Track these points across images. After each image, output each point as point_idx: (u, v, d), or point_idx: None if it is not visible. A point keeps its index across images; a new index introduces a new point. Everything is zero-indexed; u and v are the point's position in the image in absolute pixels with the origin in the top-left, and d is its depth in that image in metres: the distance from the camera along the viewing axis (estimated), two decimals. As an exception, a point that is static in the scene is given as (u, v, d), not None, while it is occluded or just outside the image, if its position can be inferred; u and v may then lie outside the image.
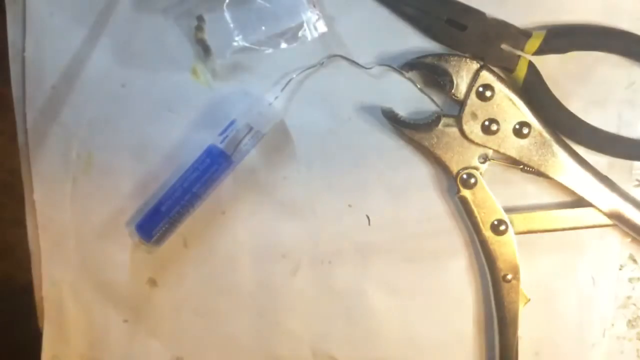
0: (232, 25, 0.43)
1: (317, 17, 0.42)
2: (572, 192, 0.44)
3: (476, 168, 0.44)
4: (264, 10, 0.42)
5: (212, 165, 0.43)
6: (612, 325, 0.46)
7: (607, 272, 0.45)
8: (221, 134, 0.43)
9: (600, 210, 0.44)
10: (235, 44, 0.43)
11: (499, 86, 0.43)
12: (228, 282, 0.46)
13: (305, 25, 0.42)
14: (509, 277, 0.44)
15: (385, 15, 0.44)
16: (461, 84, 0.43)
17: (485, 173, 0.44)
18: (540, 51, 0.42)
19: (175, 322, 0.47)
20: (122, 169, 0.46)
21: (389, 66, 0.44)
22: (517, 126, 0.43)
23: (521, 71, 0.42)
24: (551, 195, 0.45)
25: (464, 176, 0.44)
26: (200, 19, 0.44)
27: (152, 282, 0.47)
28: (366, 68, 0.44)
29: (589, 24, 0.43)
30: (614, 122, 0.44)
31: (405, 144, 0.45)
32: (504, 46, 0.43)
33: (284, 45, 0.43)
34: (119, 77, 0.45)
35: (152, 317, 0.47)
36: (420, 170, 0.45)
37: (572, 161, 0.43)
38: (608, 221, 0.44)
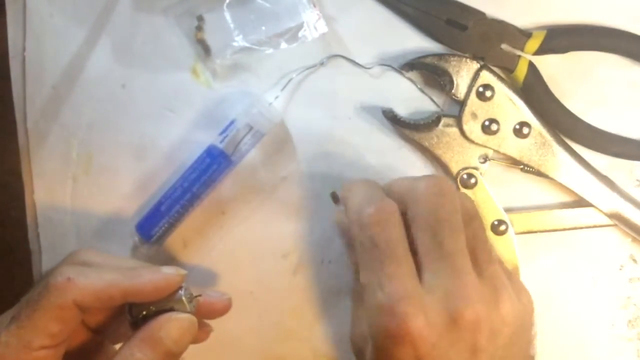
0: (232, 25, 0.43)
1: (317, 17, 0.42)
2: (572, 192, 0.44)
3: (476, 168, 0.44)
4: (264, 10, 0.43)
5: (212, 165, 0.43)
6: (612, 325, 0.46)
7: (607, 272, 0.45)
8: (221, 133, 0.43)
9: (600, 210, 0.44)
10: (235, 44, 0.43)
11: (499, 86, 0.43)
12: (228, 282, 0.46)
13: (305, 25, 0.42)
14: (509, 277, 0.44)
15: (385, 15, 0.44)
16: (461, 84, 0.43)
17: (485, 173, 0.44)
18: (540, 51, 0.42)
19: (175, 322, 0.47)
20: (122, 169, 0.46)
21: (389, 66, 0.44)
22: (517, 126, 0.43)
23: (521, 71, 0.43)
24: (551, 195, 0.45)
25: (464, 176, 0.44)
26: (200, 19, 0.44)
27: (152, 282, 0.47)
28: (366, 68, 0.44)
29: (589, 24, 0.43)
30: (614, 122, 0.44)
31: (405, 144, 0.45)
32: (504, 46, 0.43)
33: (284, 45, 0.43)
34: (119, 77, 0.45)
35: (152, 317, 0.47)
36: (420, 170, 0.45)
37: (572, 161, 0.43)
38: (608, 221, 0.44)
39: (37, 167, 0.46)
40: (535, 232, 0.44)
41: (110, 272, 0.36)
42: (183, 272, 0.37)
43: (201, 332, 0.39)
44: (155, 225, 0.43)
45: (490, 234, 0.44)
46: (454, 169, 0.44)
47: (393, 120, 0.44)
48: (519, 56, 0.43)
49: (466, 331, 0.34)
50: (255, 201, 0.46)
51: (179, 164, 0.45)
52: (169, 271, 0.37)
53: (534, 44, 0.42)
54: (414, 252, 0.36)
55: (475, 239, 0.37)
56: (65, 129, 0.45)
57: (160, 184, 0.45)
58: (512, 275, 0.39)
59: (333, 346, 0.47)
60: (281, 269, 0.46)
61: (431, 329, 0.34)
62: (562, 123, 0.43)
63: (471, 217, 0.37)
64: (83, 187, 0.46)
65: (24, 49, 0.45)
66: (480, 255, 0.37)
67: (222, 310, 0.40)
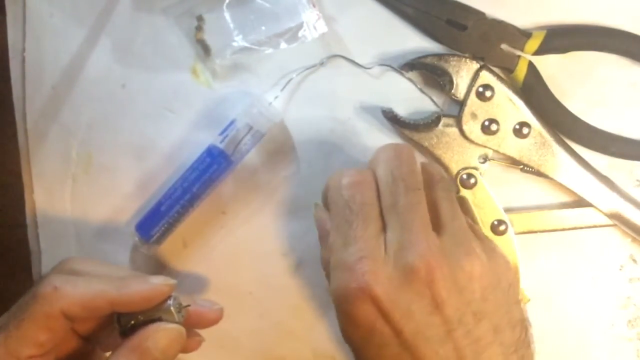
0: (232, 25, 0.43)
1: (317, 17, 0.42)
2: (572, 192, 0.44)
3: (476, 168, 0.44)
4: (264, 10, 0.43)
5: (212, 165, 0.43)
6: (612, 325, 0.46)
7: (607, 272, 0.45)
8: (221, 133, 0.43)
9: (600, 210, 0.44)
10: (235, 44, 0.43)
11: (499, 86, 0.43)
12: (228, 282, 0.46)
13: (305, 25, 0.42)
14: (509, 277, 0.44)
15: (385, 15, 0.44)
16: (461, 84, 0.43)
17: (485, 173, 0.44)
18: (540, 51, 0.42)
19: (175, 322, 0.47)
20: (122, 169, 0.46)
21: (389, 66, 0.44)
22: (517, 126, 0.43)
23: (521, 71, 0.42)
24: (551, 195, 0.45)
25: (464, 176, 0.44)
26: (200, 19, 0.44)
27: (152, 282, 0.47)
28: (366, 68, 0.44)
29: (589, 24, 0.43)
30: (614, 122, 0.44)
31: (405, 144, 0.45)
32: (504, 46, 0.43)
33: (284, 45, 0.43)
34: (119, 77, 0.45)
35: (152, 317, 0.47)
36: (420, 170, 0.45)
37: (572, 161, 0.43)
38: (608, 221, 0.44)
39: (37, 167, 0.46)
40: (535, 232, 0.44)
41: (99, 282, 0.36)
42: (172, 282, 0.37)
43: (191, 342, 0.39)
44: (155, 225, 0.43)
45: (490, 234, 0.44)
46: (454, 169, 0.44)
47: (393, 120, 0.44)
48: (519, 56, 0.43)
49: (421, 284, 0.34)
50: (256, 201, 0.46)
51: (179, 164, 0.45)
52: (157, 281, 0.37)
53: (533, 44, 0.42)
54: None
55: (439, 200, 0.38)
56: (64, 128, 0.45)
57: (160, 184, 0.45)
58: (484, 237, 0.39)
59: (333, 346, 0.47)
60: (281, 269, 0.46)
61: (389, 285, 0.34)
62: (562, 123, 0.43)
63: (435, 180, 0.39)
64: (83, 187, 0.46)
65: (23, 49, 0.45)
66: (443, 214, 0.37)
67: (212, 320, 0.40)
